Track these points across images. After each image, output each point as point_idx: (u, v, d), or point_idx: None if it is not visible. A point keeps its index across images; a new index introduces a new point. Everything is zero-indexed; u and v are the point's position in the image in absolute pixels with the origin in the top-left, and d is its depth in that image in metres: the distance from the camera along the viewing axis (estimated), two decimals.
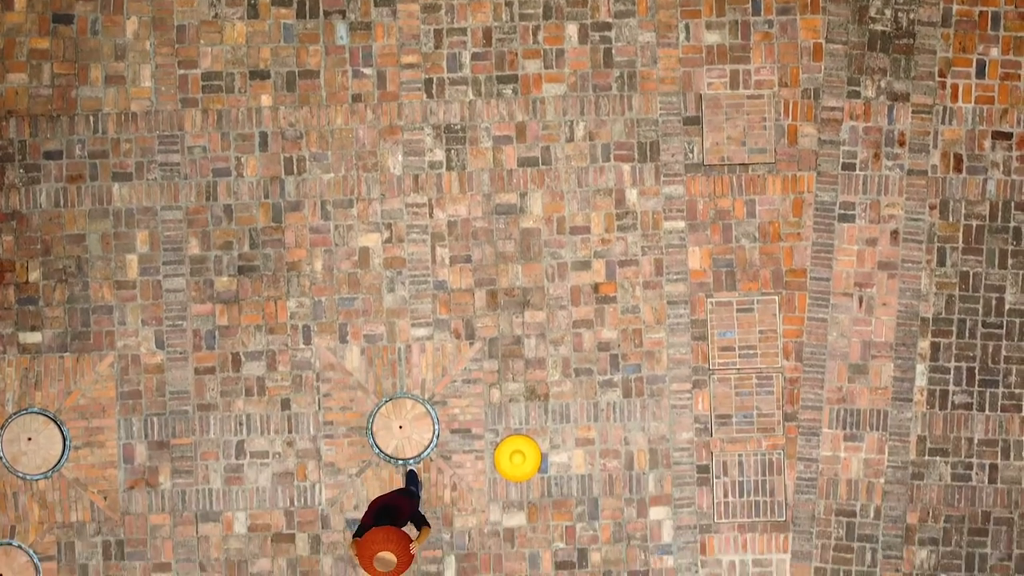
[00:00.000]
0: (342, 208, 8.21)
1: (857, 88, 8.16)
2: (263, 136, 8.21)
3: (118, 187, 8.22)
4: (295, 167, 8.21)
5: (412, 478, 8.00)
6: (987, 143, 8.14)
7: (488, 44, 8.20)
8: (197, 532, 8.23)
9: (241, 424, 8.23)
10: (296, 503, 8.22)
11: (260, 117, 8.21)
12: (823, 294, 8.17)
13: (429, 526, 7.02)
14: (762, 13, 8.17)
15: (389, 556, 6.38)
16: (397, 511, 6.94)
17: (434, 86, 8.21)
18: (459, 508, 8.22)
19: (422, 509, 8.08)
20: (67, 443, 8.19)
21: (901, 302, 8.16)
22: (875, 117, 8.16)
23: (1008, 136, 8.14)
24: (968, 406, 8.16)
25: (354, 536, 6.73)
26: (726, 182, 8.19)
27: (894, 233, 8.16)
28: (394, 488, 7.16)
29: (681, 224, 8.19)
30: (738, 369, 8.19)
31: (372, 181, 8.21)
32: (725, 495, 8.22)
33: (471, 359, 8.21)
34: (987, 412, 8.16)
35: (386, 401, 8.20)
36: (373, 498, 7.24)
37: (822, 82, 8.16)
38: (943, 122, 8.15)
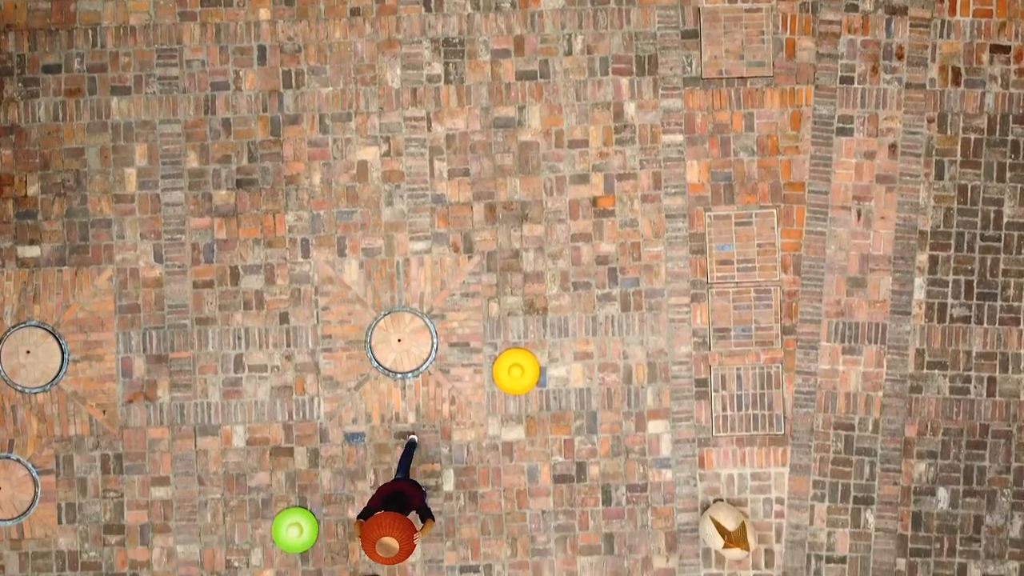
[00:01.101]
0: (340, 122, 8.22)
1: (855, 1, 8.16)
2: (261, 50, 8.21)
3: (117, 101, 8.22)
4: (293, 81, 8.21)
5: (410, 449, 7.93)
6: (985, 56, 8.14)
7: None
8: (195, 446, 8.23)
9: (239, 338, 8.23)
10: (295, 417, 8.22)
11: (259, 31, 8.21)
12: (821, 207, 8.17)
13: (433, 520, 7.01)
14: None
15: (392, 542, 6.37)
16: (405, 499, 6.92)
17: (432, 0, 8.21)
18: (457, 422, 8.22)
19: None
20: (65, 356, 8.19)
21: (899, 215, 8.16)
22: (873, 30, 8.16)
23: (1006, 49, 8.14)
24: (966, 319, 8.16)
25: (359, 517, 6.71)
26: (724, 96, 8.19)
27: (892, 146, 8.16)
28: (396, 480, 7.17)
29: (679, 138, 8.20)
30: (736, 283, 8.19)
31: (370, 95, 8.21)
32: (723, 409, 8.22)
33: (469, 273, 8.21)
34: (985, 325, 8.15)
35: (384, 315, 8.20)
36: (382, 484, 7.23)
37: None
38: (941, 35, 8.15)
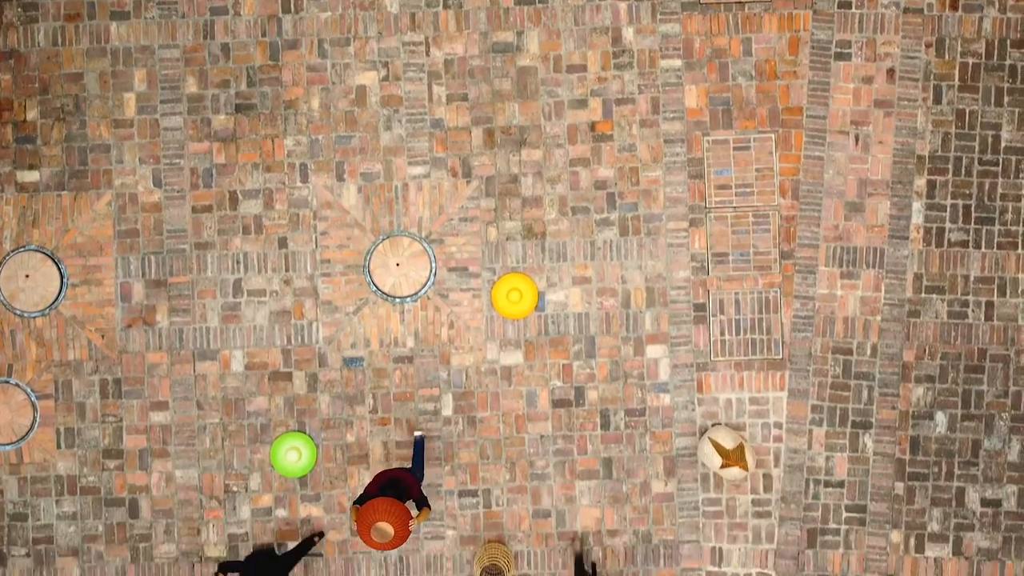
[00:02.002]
0: (339, 46, 8.22)
1: None
2: None
3: (116, 26, 8.23)
4: (292, 5, 8.22)
5: (419, 446, 7.93)
6: None
7: None
8: (194, 370, 8.23)
9: (238, 262, 8.24)
10: (293, 341, 8.23)
11: None
12: (819, 132, 8.18)
13: (430, 508, 7.00)
14: None
15: (387, 527, 6.36)
16: (404, 487, 6.91)
17: None
18: (456, 346, 8.23)
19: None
20: (64, 281, 8.19)
21: (897, 140, 8.16)
22: None
23: None
24: (964, 243, 8.17)
25: (355, 503, 6.70)
26: (722, 20, 8.20)
27: (890, 71, 8.17)
28: (394, 468, 7.15)
29: (678, 62, 8.20)
30: (735, 207, 8.20)
31: (369, 19, 8.22)
32: (722, 333, 8.22)
33: (468, 197, 8.22)
34: (983, 249, 8.16)
35: (383, 239, 8.21)
36: (380, 470, 7.23)
37: None
38: None
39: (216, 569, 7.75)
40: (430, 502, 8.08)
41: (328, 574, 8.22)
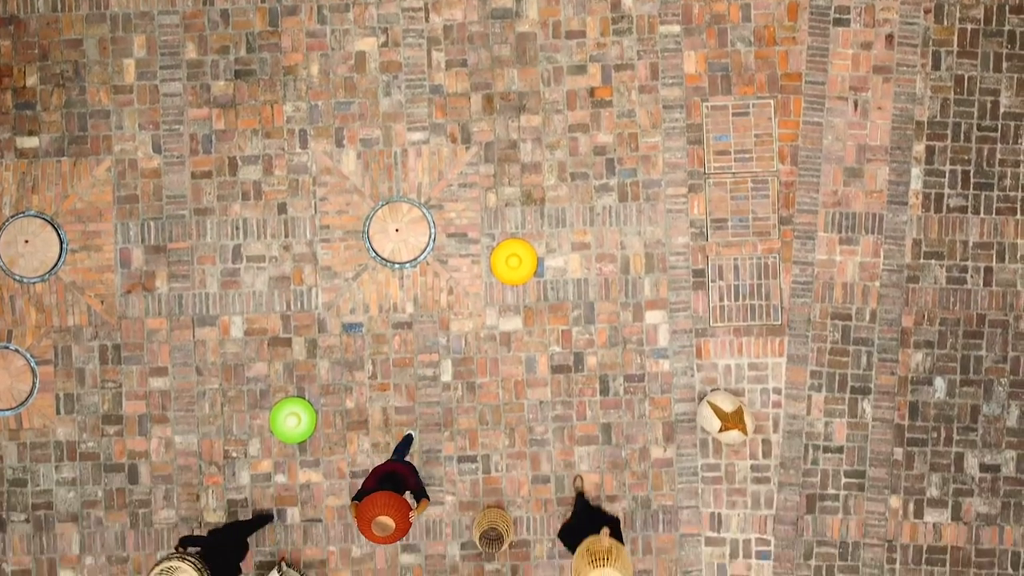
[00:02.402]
0: (338, 12, 8.23)
1: None
2: None
3: None
4: None
5: (406, 441, 7.93)
6: None
7: None
8: (194, 336, 8.24)
9: (238, 228, 8.25)
10: (292, 307, 8.24)
11: None
12: (818, 98, 8.18)
13: (428, 499, 6.98)
14: None
15: (387, 520, 6.35)
16: (401, 479, 6.91)
17: None
18: (455, 312, 8.23)
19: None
20: (64, 246, 8.20)
21: (896, 106, 8.17)
22: None
23: None
24: (963, 209, 8.18)
25: (353, 499, 6.70)
26: None
27: (889, 37, 8.18)
28: (389, 461, 7.14)
29: (676, 28, 8.21)
30: (734, 173, 8.20)
31: None
32: (721, 299, 8.23)
33: (467, 163, 8.22)
34: (982, 215, 8.17)
35: (382, 205, 8.22)
36: (377, 465, 7.21)
37: None
38: None
39: (176, 543, 7.68)
40: (430, 469, 8.09)
41: (327, 539, 8.22)
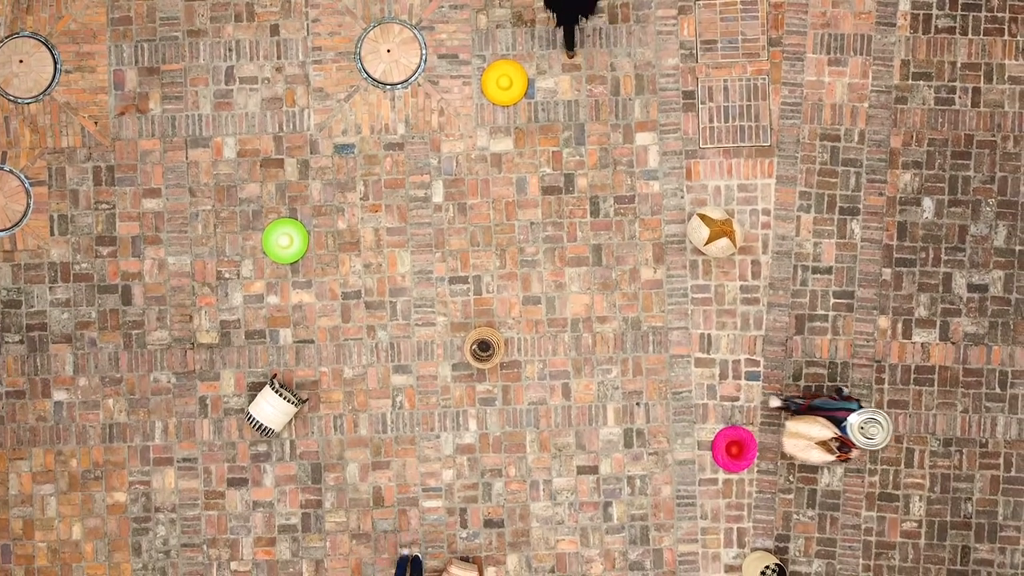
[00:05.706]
0: None
1: None
2: None
3: None
4: None
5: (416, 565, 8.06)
6: None
7: None
8: (187, 157, 8.29)
9: (230, 50, 8.30)
10: (285, 128, 8.29)
11: None
12: None
13: None
14: None
15: None
16: None
17: None
18: (446, 134, 8.28)
19: None
20: (58, 67, 8.25)
21: None
22: None
23: None
24: (951, 30, 8.22)
25: None
26: None
27: None
28: None
29: None
30: None
31: None
32: (710, 120, 8.28)
33: None
34: (970, 36, 8.21)
35: (374, 26, 8.26)
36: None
37: None
38: None
39: None
40: (421, 291, 8.13)
41: (320, 360, 8.28)
